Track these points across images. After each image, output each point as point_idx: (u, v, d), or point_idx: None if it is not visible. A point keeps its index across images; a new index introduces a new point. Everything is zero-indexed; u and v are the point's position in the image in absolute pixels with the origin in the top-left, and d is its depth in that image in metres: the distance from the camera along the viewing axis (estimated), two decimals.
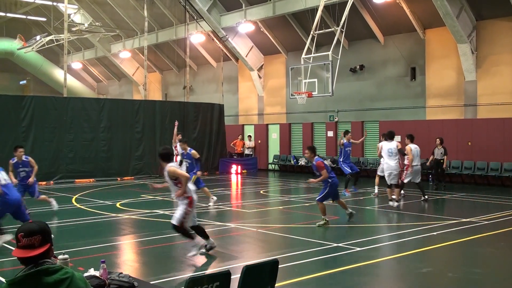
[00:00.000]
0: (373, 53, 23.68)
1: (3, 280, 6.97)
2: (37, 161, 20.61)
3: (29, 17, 35.03)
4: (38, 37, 34.72)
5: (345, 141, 17.07)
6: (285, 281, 6.88)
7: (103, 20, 34.30)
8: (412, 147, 15.04)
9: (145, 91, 29.19)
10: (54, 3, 31.88)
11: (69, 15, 30.73)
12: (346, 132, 17.62)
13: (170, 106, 25.67)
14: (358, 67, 23.96)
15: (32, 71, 40.21)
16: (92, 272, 4.70)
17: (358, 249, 9.03)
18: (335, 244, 9.40)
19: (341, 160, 17.22)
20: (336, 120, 24.94)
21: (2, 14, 34.08)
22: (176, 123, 18.92)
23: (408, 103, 22.43)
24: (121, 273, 5.05)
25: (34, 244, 2.90)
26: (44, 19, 35.74)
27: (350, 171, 16.93)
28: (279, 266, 4.48)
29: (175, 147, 16.12)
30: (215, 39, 28.64)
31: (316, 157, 11.56)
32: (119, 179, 22.58)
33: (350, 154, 17.47)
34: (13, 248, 2.96)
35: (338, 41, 20.23)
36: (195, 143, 25.68)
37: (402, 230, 11.06)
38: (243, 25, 25.89)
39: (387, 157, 14.36)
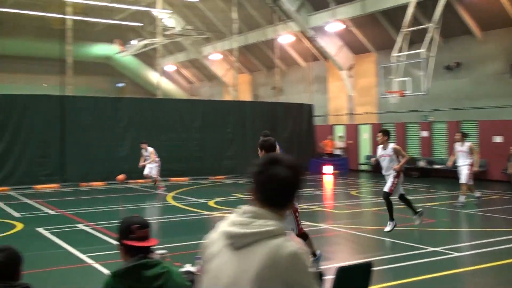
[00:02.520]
0: (470, 50, 22.58)
1: (107, 272, 7.29)
2: (132, 160, 21.66)
3: (125, 23, 36.66)
4: (134, 42, 36.28)
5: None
6: (379, 284, 6.70)
7: (194, 23, 35.22)
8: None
9: (235, 92, 29.61)
10: (149, 9, 33.16)
11: (162, 20, 31.82)
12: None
13: (260, 106, 25.86)
14: (453, 64, 22.96)
15: (129, 74, 42.07)
16: (188, 267, 4.80)
17: (457, 254, 8.62)
18: (432, 249, 9.02)
19: None
20: (431, 119, 24.03)
21: (101, 21, 35.90)
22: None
23: (510, 102, 21.18)
24: None
25: (147, 236, 3.11)
26: (140, 24, 37.28)
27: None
28: (373, 268, 4.35)
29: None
30: (303, 39, 28.55)
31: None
32: (211, 178, 23.05)
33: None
34: (113, 242, 3.10)
35: (432, 38, 19.49)
36: (285, 143, 25.71)
37: (508, 236, 10.42)
38: (332, 25, 25.61)
39: None
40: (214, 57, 36.61)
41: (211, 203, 15.39)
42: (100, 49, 39.23)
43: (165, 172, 22.10)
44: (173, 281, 3.08)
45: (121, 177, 18.05)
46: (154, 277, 3.03)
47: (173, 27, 34.57)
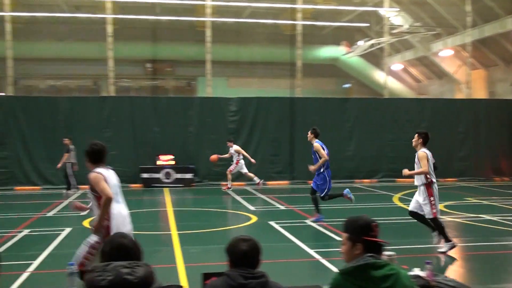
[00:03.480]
0: None
1: (334, 268, 7.39)
2: (360, 159, 21.75)
3: (352, 24, 36.99)
4: (360, 42, 36.40)
5: None
6: None
7: (423, 19, 33.93)
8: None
9: (468, 90, 27.79)
10: (376, 9, 32.95)
11: (389, 19, 31.34)
12: None
13: (497, 104, 23.79)
14: None
15: (355, 74, 42.33)
16: (417, 271, 4.61)
17: None
18: None
19: None
20: None
21: (329, 24, 36.76)
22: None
23: None
24: (447, 276, 4.84)
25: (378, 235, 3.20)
26: (366, 25, 37.27)
27: None
28: None
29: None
30: None
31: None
32: (441, 180, 21.91)
33: None
34: (340, 239, 3.11)
35: None
36: None
37: None
38: None
39: None
40: (445, 53, 34.81)
41: (441, 206, 14.61)
42: (327, 52, 40.23)
43: (390, 172, 21.70)
44: (402, 283, 3.02)
45: (214, 157, 18.42)
46: (382, 278, 3.00)
47: (401, 25, 33.78)
